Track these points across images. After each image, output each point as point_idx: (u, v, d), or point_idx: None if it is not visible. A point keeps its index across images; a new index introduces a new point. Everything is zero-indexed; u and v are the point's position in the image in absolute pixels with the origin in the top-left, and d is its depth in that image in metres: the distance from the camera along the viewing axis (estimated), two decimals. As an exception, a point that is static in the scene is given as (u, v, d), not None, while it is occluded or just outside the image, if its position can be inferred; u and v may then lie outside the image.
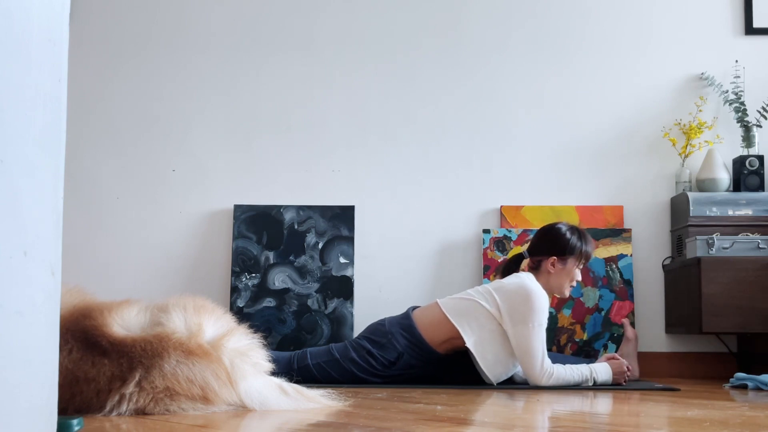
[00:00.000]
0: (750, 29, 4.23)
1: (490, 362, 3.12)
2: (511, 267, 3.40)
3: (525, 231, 4.11)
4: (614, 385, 3.13)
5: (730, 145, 4.17)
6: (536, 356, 3.05)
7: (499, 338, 3.12)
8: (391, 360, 3.16)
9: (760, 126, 4.09)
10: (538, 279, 3.23)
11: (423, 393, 2.79)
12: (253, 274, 4.09)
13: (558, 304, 4.03)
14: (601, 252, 4.08)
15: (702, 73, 4.22)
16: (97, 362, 1.92)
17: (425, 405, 2.32)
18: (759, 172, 4.00)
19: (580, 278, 3.29)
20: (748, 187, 3.99)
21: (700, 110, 4.16)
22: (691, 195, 3.93)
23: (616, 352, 3.83)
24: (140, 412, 1.90)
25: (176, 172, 4.27)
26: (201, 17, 4.34)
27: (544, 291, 3.14)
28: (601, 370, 3.13)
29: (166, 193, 4.26)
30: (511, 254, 3.91)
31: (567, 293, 3.30)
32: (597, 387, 3.09)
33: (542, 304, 3.09)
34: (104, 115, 4.30)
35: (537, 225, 4.14)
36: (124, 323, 2.02)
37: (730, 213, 3.91)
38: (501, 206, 4.19)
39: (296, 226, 4.15)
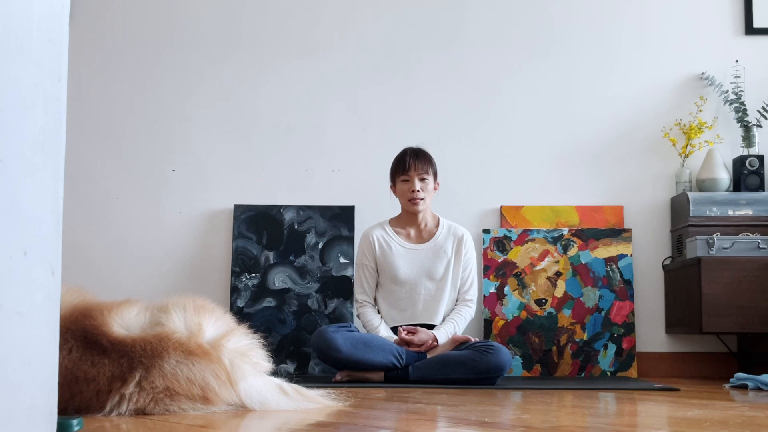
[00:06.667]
0: (750, 29, 4.23)
1: None
2: None
3: (525, 231, 4.11)
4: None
5: (730, 145, 4.17)
6: (354, 289, 3.70)
7: None
8: None
9: (760, 126, 4.09)
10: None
11: (423, 393, 2.79)
12: (253, 274, 4.09)
13: (558, 305, 4.03)
14: (601, 252, 4.08)
15: (702, 73, 4.22)
16: (97, 362, 1.92)
17: (425, 405, 2.32)
18: (759, 172, 4.00)
19: (416, 188, 3.51)
20: (748, 187, 3.99)
21: (700, 110, 4.16)
22: (691, 195, 3.93)
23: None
24: (140, 412, 1.90)
25: (176, 172, 4.27)
26: (201, 17, 4.34)
27: (366, 232, 3.64)
28: (384, 331, 3.47)
29: (166, 193, 4.26)
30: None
31: (412, 207, 3.55)
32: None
33: (361, 244, 3.65)
34: (104, 115, 4.30)
35: (537, 225, 4.14)
36: (124, 323, 2.02)
37: (730, 213, 3.91)
38: (501, 206, 4.19)
39: (296, 226, 4.15)
